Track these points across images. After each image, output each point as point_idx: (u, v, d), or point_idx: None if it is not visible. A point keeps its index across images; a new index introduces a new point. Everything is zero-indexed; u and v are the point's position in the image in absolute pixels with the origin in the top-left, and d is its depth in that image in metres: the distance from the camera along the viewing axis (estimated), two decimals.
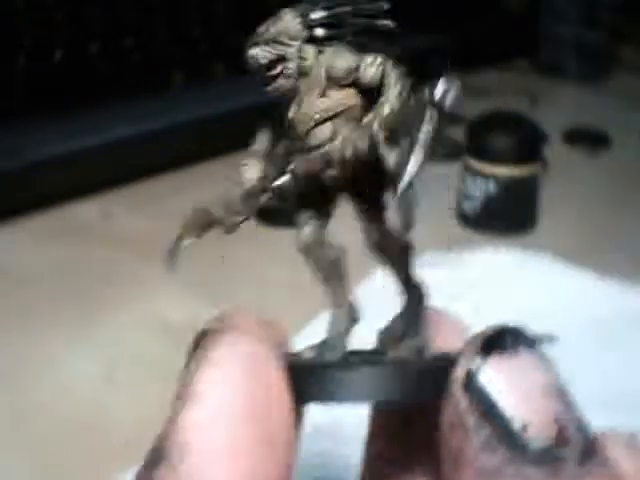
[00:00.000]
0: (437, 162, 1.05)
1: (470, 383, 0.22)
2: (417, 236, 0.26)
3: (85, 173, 0.93)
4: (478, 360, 0.23)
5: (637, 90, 1.33)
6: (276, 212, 0.53)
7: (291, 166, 0.25)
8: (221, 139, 1.02)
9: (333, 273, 0.26)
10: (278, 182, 0.25)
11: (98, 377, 0.64)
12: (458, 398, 0.22)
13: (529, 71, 1.42)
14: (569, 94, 1.36)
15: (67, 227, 0.87)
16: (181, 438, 0.21)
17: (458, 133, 1.05)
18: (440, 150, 1.11)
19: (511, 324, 0.24)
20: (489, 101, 1.16)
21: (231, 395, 0.22)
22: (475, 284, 0.76)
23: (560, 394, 0.22)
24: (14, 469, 0.55)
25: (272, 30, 0.25)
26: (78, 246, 0.83)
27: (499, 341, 0.23)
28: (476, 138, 0.90)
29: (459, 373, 0.23)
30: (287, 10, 0.26)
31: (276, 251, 0.59)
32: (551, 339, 0.71)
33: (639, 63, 1.43)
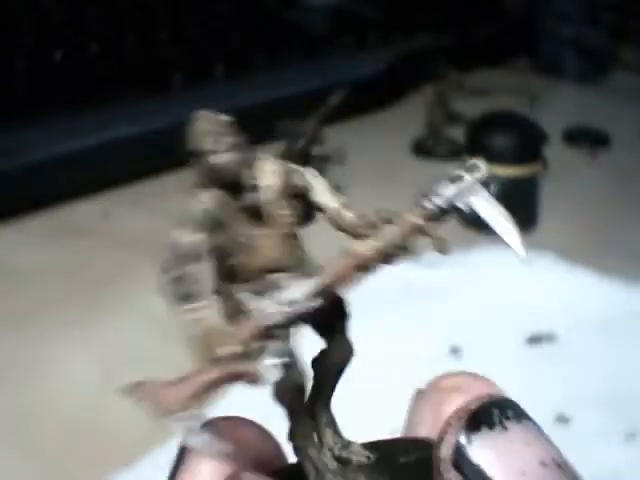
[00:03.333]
0: (437, 162, 1.05)
1: (460, 460, 0.20)
2: None
3: (85, 173, 0.94)
4: (465, 436, 0.21)
5: (637, 90, 1.33)
6: None
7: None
8: None
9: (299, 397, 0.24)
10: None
11: (98, 377, 0.64)
12: (449, 477, 0.21)
13: (529, 71, 1.42)
14: (569, 94, 1.36)
15: (67, 227, 0.87)
16: None
17: (458, 133, 1.05)
18: (440, 150, 1.11)
19: (497, 396, 0.22)
20: (489, 101, 1.16)
21: None
22: (475, 284, 0.76)
23: (559, 467, 0.21)
24: (14, 469, 0.56)
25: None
26: (78, 246, 0.83)
27: (486, 416, 0.21)
28: (476, 138, 0.90)
29: (445, 451, 0.21)
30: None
31: None
32: (551, 338, 0.71)
33: (639, 63, 1.43)
